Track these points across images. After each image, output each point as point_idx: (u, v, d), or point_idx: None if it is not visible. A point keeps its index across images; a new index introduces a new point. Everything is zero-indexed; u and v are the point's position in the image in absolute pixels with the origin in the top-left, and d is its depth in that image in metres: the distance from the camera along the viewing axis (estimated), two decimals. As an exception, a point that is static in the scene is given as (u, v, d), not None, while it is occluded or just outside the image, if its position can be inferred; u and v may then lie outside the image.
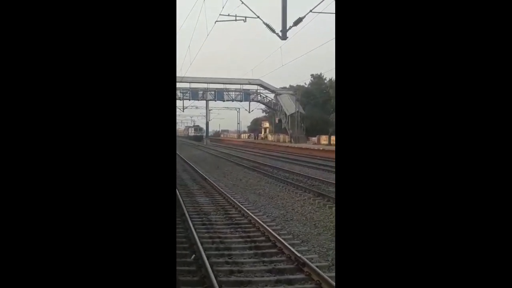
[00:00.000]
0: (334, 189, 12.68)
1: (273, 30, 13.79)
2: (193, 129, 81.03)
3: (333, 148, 31.38)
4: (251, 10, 15.62)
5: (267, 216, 9.22)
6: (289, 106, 50.03)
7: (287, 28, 13.50)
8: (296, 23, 13.77)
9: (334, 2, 14.09)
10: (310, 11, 14.00)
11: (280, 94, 53.25)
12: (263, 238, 7.15)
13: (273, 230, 7.43)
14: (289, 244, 6.43)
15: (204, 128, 67.65)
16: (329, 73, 57.16)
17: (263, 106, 61.30)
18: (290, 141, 45.63)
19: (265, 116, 72.46)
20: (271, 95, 55.04)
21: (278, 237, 6.82)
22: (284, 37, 13.69)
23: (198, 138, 67.72)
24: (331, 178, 15.53)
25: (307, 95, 54.75)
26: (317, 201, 10.74)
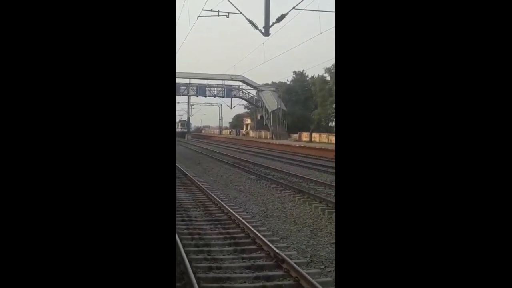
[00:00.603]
0: (313, 186, 12.78)
1: (255, 26, 13.79)
2: (179, 124, 70.66)
3: (314, 145, 31.59)
4: (234, 5, 15.57)
5: (247, 212, 9.24)
6: (271, 102, 50.11)
7: (270, 24, 13.51)
8: (279, 19, 13.79)
9: (316, -1, 14.12)
10: (293, 8, 14.05)
11: (262, 90, 53.29)
12: (242, 234, 7.16)
13: (253, 226, 7.45)
14: (269, 241, 6.46)
15: (191, 123, 67.41)
16: (311, 70, 57.42)
17: (245, 102, 61.26)
18: (272, 138, 45.73)
19: (247, 112, 72.41)
20: (253, 92, 55.05)
21: (258, 233, 6.84)
22: (266, 33, 13.70)
23: (182, 135, 62.65)
24: (312, 175, 15.64)
25: (289, 91, 54.89)
26: (297, 198, 10.80)
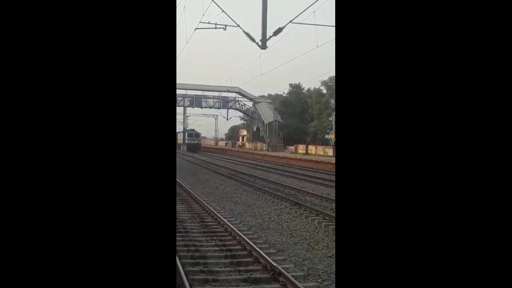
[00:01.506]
0: (310, 198, 12.75)
1: (253, 39, 13.86)
2: (186, 134, 56.46)
3: (310, 157, 31.59)
4: (231, 18, 15.66)
5: (244, 224, 9.19)
6: (267, 114, 50.18)
7: (267, 37, 13.59)
8: (276, 33, 13.88)
9: (313, 13, 14.23)
10: (290, 21, 14.13)
11: (259, 102, 53.40)
12: (239, 247, 7.11)
13: (249, 239, 7.40)
14: (265, 253, 6.42)
15: (201, 133, 58.45)
16: (308, 83, 57.61)
17: (241, 114, 61.33)
18: (268, 150, 45.73)
19: (243, 124, 72.50)
20: (250, 103, 55.15)
21: (254, 246, 6.80)
22: (263, 46, 13.76)
23: (194, 148, 51.97)
24: (308, 187, 15.61)
25: (285, 104, 55.08)
26: (293, 210, 10.76)
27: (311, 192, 13.85)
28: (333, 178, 19.55)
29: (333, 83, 45.12)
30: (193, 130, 57.45)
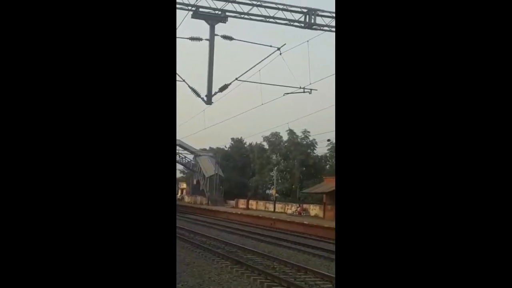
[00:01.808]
0: (251, 256, 12.50)
1: (198, 95, 13.92)
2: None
3: (251, 212, 31.40)
4: (177, 74, 15.74)
5: (182, 285, 8.78)
6: (208, 168, 49.96)
7: (213, 93, 13.73)
8: (222, 89, 14.06)
9: (258, 72, 14.66)
10: (236, 79, 14.42)
11: (200, 155, 53.21)
12: (177, 310, 6.73)
13: (189, 301, 7.04)
14: (206, 318, 6.09)
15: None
16: (250, 138, 58.41)
17: (181, 167, 60.62)
18: (208, 204, 45.13)
19: (182, 177, 71.54)
20: (190, 156, 54.78)
21: (194, 309, 6.46)
22: (209, 101, 13.87)
23: None
24: (249, 244, 15.36)
25: (226, 158, 55.19)
26: (234, 269, 10.47)
27: (253, 249, 13.62)
28: (274, 234, 19.46)
29: (274, 139, 46.03)
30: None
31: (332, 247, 14.98)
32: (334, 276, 9.60)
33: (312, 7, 13.54)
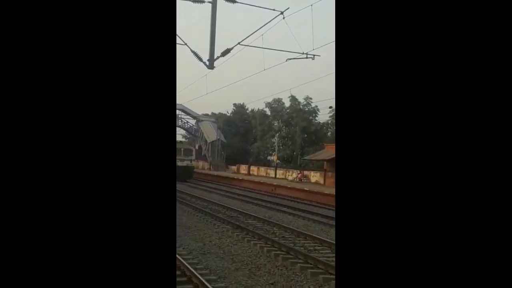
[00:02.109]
0: (252, 221, 12.66)
1: (200, 59, 13.75)
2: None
3: (252, 178, 31.63)
4: (179, 37, 15.50)
5: (183, 248, 8.93)
6: (210, 133, 49.97)
7: (215, 58, 13.55)
8: (224, 53, 13.87)
9: (261, 37, 14.39)
10: (238, 43, 14.21)
11: (202, 120, 53.12)
12: (178, 272, 6.86)
13: (190, 264, 7.18)
14: (206, 280, 6.23)
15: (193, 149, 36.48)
16: (252, 104, 58.14)
17: (183, 132, 60.69)
18: (210, 169, 45.40)
19: (185, 142, 71.58)
20: (193, 121, 54.72)
21: (195, 272, 6.59)
22: (211, 66, 13.70)
23: (184, 173, 29.87)
24: (250, 209, 15.53)
25: (228, 123, 55.15)
26: (235, 233, 10.62)
27: (253, 214, 13.78)
28: (274, 200, 19.65)
29: (277, 105, 45.84)
30: (182, 142, 35.69)
31: (332, 214, 15.14)
32: (333, 242, 9.74)
33: (318, -30, 13.17)
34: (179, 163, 29.53)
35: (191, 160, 32.17)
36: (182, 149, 31.09)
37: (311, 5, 13.94)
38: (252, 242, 9.61)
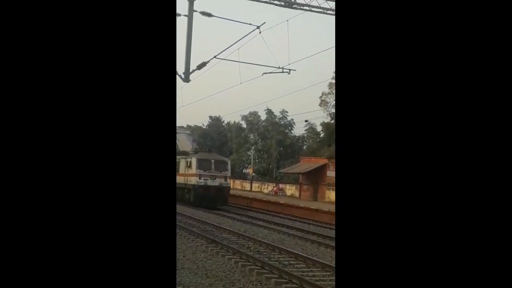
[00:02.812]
0: (227, 235, 12.56)
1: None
2: (198, 160, 21.92)
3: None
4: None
5: (157, 263, 8.76)
6: (186, 145, 49.55)
7: (190, 71, 13.51)
8: (200, 67, 13.86)
9: (237, 50, 14.46)
10: (214, 56, 14.22)
11: (177, 133, 52.72)
12: (151, 289, 6.72)
13: (163, 280, 7.03)
14: (179, 297, 6.09)
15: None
16: (228, 117, 58.07)
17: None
18: (185, 182, 44.88)
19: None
20: (168, 134, 54.19)
21: (168, 288, 6.45)
22: (186, 79, 13.64)
23: (217, 196, 21.41)
24: (225, 223, 15.42)
25: (204, 136, 54.91)
26: (209, 248, 10.50)
27: (228, 228, 13.67)
28: (250, 214, 19.56)
29: (253, 118, 45.94)
30: (211, 152, 24.79)
31: (307, 227, 15.15)
32: (307, 256, 9.73)
33: (293, -14, 13.35)
34: (209, 182, 20.77)
35: (226, 178, 21.75)
36: (212, 161, 21.35)
37: (287, 20, 14.10)
38: (226, 256, 9.51)
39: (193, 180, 21.36)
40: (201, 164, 21.39)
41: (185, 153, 24.17)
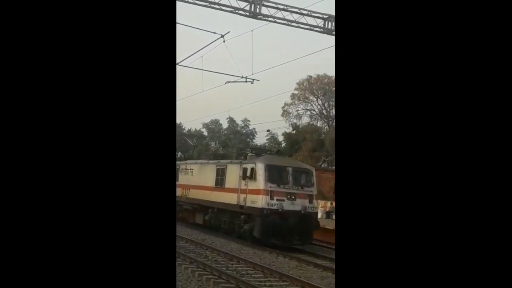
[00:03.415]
0: (184, 244, 12.38)
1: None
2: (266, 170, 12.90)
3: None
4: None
5: (111, 272, 8.52)
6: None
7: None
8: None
9: (200, 58, 14.43)
10: (177, 64, 14.12)
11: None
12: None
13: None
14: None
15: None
16: (189, 124, 57.49)
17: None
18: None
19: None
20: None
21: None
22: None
23: (302, 225, 12.67)
24: (183, 232, 15.21)
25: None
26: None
27: (186, 237, 13.49)
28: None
29: (214, 126, 45.80)
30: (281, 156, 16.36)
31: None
32: (265, 266, 9.72)
33: (258, -3, 13.48)
34: (286, 205, 12.74)
35: (311, 198, 13.31)
36: (289, 170, 13.29)
37: (252, 31, 14.19)
38: (183, 266, 9.37)
39: (260, 202, 12.55)
40: (272, 174, 12.95)
41: (225, 157, 17.00)
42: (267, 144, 42.36)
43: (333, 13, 13.39)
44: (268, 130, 39.20)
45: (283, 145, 36.25)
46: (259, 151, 15.31)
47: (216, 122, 46.19)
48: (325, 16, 13.47)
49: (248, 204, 12.95)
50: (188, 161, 18.69)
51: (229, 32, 13.28)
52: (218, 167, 15.25)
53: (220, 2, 12.77)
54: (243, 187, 13.31)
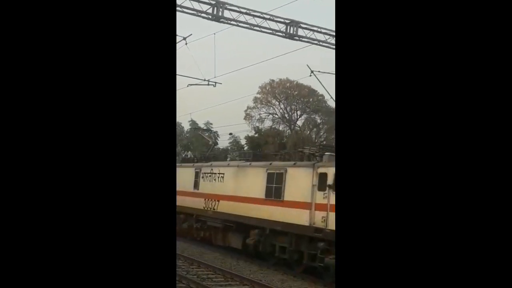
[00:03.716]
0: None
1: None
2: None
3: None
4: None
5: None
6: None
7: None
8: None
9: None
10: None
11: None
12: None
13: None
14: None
15: None
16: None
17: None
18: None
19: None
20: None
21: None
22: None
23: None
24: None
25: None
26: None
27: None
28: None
29: (176, 129, 45.38)
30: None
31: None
32: (227, 270, 9.67)
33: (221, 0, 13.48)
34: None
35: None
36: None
37: (214, 34, 14.15)
38: None
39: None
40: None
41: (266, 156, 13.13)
42: (229, 147, 42.30)
43: (294, 18, 13.55)
44: (230, 134, 39.16)
45: (245, 148, 36.26)
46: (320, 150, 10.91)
47: (178, 125, 45.69)
48: (287, 21, 13.59)
49: (332, 226, 8.57)
50: (214, 163, 13.99)
51: (191, 34, 13.19)
52: (270, 171, 10.96)
53: (183, 4, 12.67)
54: (319, 201, 9.24)
